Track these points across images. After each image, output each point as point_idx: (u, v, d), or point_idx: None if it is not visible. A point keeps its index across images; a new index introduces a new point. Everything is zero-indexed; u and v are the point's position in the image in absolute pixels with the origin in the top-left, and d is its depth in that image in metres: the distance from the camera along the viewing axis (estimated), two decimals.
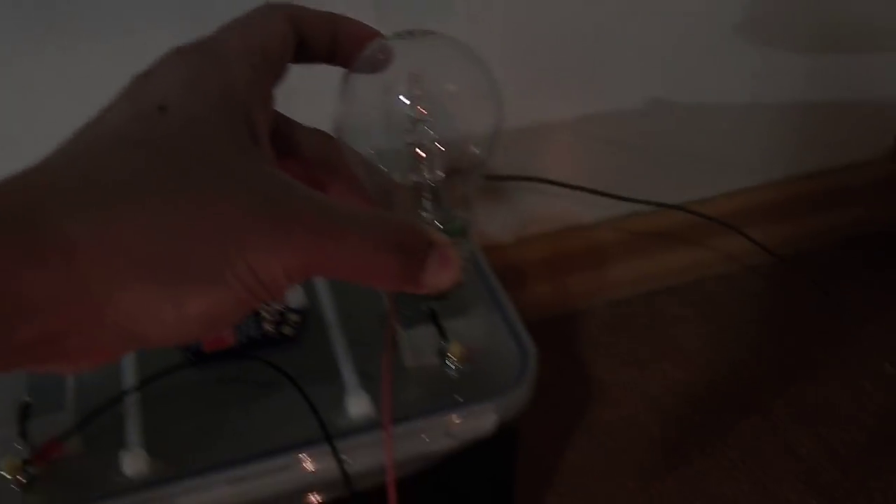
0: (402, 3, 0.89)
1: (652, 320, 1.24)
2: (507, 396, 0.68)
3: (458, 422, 0.67)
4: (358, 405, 0.66)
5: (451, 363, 0.69)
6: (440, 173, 0.46)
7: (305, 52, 0.40)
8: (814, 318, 1.25)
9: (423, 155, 0.46)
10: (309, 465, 0.64)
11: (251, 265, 0.31)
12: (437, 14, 0.92)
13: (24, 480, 0.64)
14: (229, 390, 0.70)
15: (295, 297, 0.77)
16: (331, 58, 0.42)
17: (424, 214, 0.47)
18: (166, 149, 0.32)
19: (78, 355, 0.31)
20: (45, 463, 0.65)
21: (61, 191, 0.30)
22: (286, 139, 0.42)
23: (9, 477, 0.63)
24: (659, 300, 1.27)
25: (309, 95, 0.90)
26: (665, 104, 1.12)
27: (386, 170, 0.46)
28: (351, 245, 0.33)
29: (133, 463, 0.63)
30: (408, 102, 0.45)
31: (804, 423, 1.09)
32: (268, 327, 0.74)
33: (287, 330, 0.74)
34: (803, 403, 1.11)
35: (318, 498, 0.68)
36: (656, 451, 1.05)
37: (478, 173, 0.49)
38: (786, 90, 1.19)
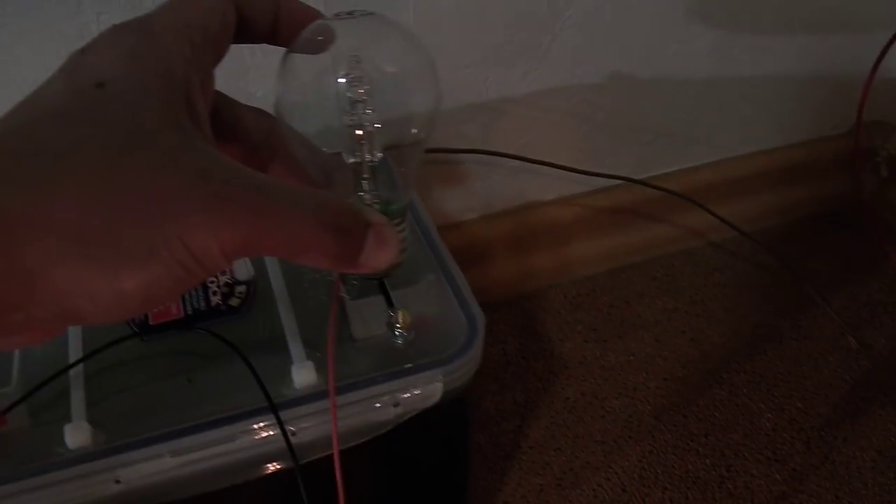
0: None
1: (615, 297, 1.24)
2: (454, 364, 0.67)
3: (404, 390, 0.66)
4: (303, 375, 0.66)
5: (398, 332, 0.69)
6: (379, 153, 0.46)
7: (247, 31, 0.40)
8: (777, 293, 1.25)
9: (362, 135, 0.46)
10: (254, 435, 0.64)
11: (186, 242, 0.31)
12: None
13: None
14: (175, 362, 0.70)
15: (242, 268, 0.76)
16: (272, 37, 0.42)
17: (363, 194, 0.48)
18: (103, 125, 0.32)
19: (12, 331, 0.31)
20: None
21: None
22: (226, 119, 0.42)
23: None
24: (622, 276, 1.27)
25: (261, 73, 0.90)
26: (624, 78, 1.11)
27: (325, 150, 0.46)
28: (288, 223, 0.34)
29: (76, 435, 0.63)
30: (346, 83, 0.45)
31: (767, 396, 1.09)
32: (214, 299, 0.73)
33: (234, 301, 0.73)
34: (766, 377, 1.12)
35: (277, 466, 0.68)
36: (619, 426, 1.05)
37: (417, 153, 0.49)
38: (748, 66, 1.19)
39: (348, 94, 0.45)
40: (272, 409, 0.63)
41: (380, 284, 0.73)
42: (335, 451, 0.60)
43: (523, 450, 1.02)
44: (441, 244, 0.79)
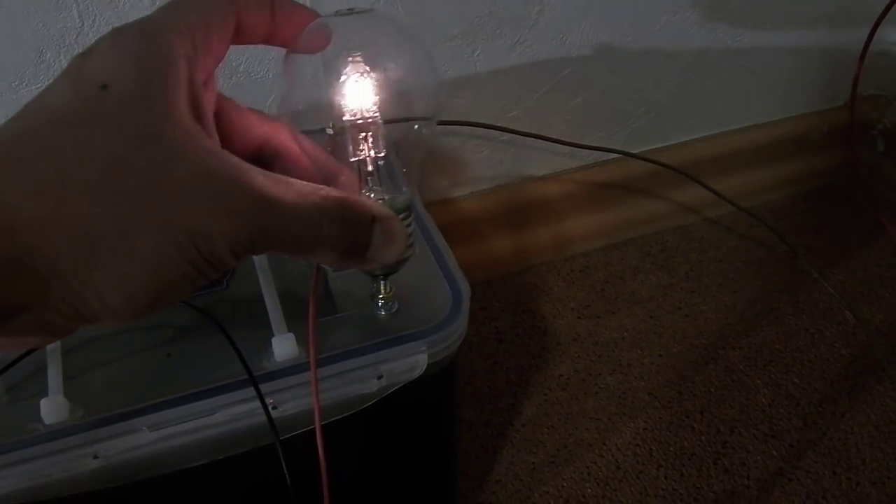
0: None
1: (609, 273, 1.23)
2: (438, 335, 0.66)
3: (387, 362, 0.65)
4: (284, 347, 0.64)
5: (382, 303, 0.68)
6: (382, 150, 0.46)
7: (244, 32, 0.41)
8: (773, 268, 1.24)
9: (365, 132, 0.46)
10: (233, 409, 0.63)
11: (195, 242, 0.32)
12: None
13: None
14: (153, 335, 0.69)
15: None
16: (270, 38, 0.43)
17: (368, 192, 0.47)
18: (108, 127, 0.32)
19: (22, 333, 0.32)
20: None
21: (4, 170, 0.30)
22: (230, 120, 0.43)
23: None
24: (616, 253, 1.26)
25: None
26: (614, 50, 1.10)
27: (329, 148, 0.46)
28: (294, 219, 0.34)
29: (53, 410, 0.61)
30: (347, 80, 0.45)
31: (764, 372, 1.08)
32: None
33: None
34: (763, 353, 1.10)
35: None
36: (613, 403, 1.04)
37: (420, 149, 0.49)
38: (741, 38, 1.17)
39: (350, 92, 0.46)
40: (252, 381, 0.62)
41: None
42: (317, 425, 0.59)
43: (516, 428, 1.00)
44: (426, 215, 0.77)
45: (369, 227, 0.38)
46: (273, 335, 0.65)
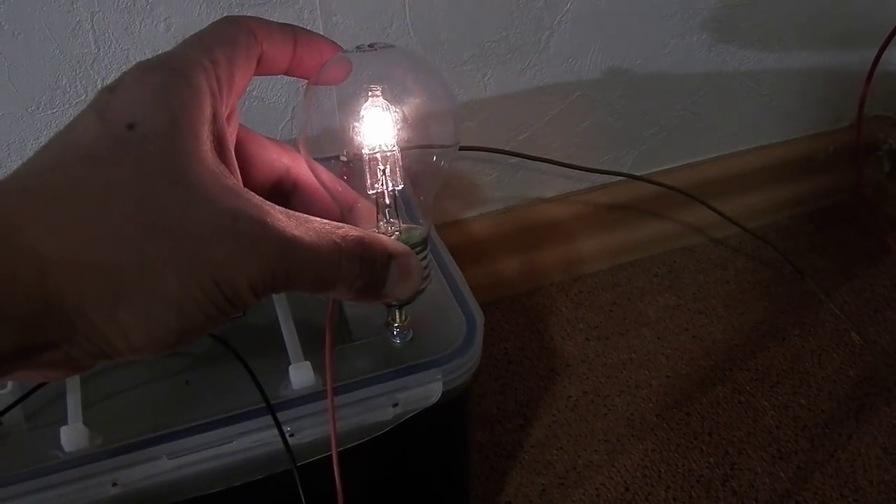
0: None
1: (617, 294, 1.23)
2: (453, 363, 0.67)
3: (403, 390, 0.66)
4: (301, 375, 0.65)
5: (397, 331, 0.68)
6: (400, 183, 0.47)
7: (266, 64, 0.41)
8: (779, 289, 1.24)
9: (384, 165, 0.46)
10: (252, 437, 0.63)
11: (219, 283, 0.32)
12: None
13: None
14: (172, 362, 0.69)
15: None
16: (291, 70, 0.44)
17: (385, 224, 0.48)
18: (135, 167, 0.32)
19: (50, 369, 0.32)
20: None
21: (33, 210, 0.31)
22: (250, 152, 0.43)
23: None
24: (624, 274, 1.27)
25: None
26: (624, 73, 1.11)
27: (344, 176, 0.46)
28: (314, 259, 0.35)
29: (72, 438, 0.62)
30: (367, 114, 0.45)
31: (771, 393, 1.08)
32: None
33: None
34: (770, 374, 1.11)
35: None
36: (621, 425, 1.04)
37: (437, 182, 0.50)
38: (749, 61, 1.18)
39: (369, 126, 0.46)
40: (270, 410, 0.63)
41: None
42: (334, 453, 0.60)
43: (525, 449, 1.01)
44: (439, 241, 0.78)
45: (386, 265, 0.39)
46: (290, 363, 0.66)
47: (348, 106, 0.47)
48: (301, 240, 0.35)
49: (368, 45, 0.48)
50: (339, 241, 0.36)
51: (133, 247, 0.31)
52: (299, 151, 0.46)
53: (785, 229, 1.35)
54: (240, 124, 0.43)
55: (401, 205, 0.50)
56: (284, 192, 0.46)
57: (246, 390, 0.65)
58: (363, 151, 0.49)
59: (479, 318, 0.71)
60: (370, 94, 0.47)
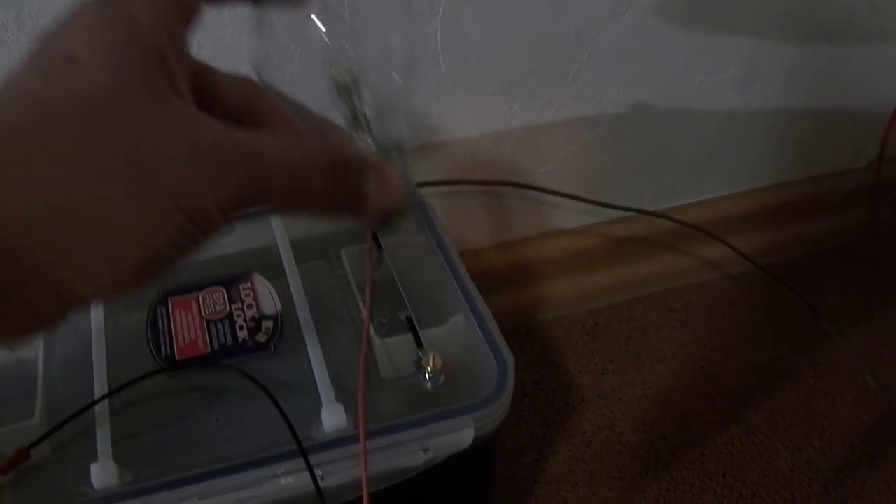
0: None
1: (632, 328, 1.23)
2: (485, 410, 0.67)
3: (434, 435, 0.65)
4: (333, 418, 0.65)
5: (428, 375, 0.68)
6: (366, 98, 0.45)
7: None
8: (794, 328, 1.24)
9: (346, 83, 0.45)
10: (283, 479, 0.63)
11: (181, 205, 0.30)
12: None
13: None
14: (202, 399, 0.69)
15: (268, 302, 0.75)
16: None
17: (359, 141, 0.46)
18: (78, 99, 0.30)
19: (12, 321, 0.30)
20: (13, 472, 0.64)
21: None
22: (208, 87, 0.40)
23: None
24: (640, 307, 1.26)
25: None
26: (649, 109, 1.11)
27: (311, 106, 0.44)
28: (282, 171, 0.33)
29: (102, 475, 0.62)
30: (324, 30, 0.44)
31: (785, 435, 1.08)
32: (241, 334, 0.72)
33: (261, 337, 0.72)
34: (784, 415, 1.11)
35: None
36: (636, 462, 1.04)
37: (403, 98, 0.48)
38: (771, 99, 1.18)
39: (327, 42, 0.44)
40: (302, 453, 0.62)
41: (408, 323, 0.72)
42: (365, 497, 0.60)
43: (541, 485, 1.01)
44: (470, 284, 0.78)
45: (362, 174, 0.37)
46: (322, 405, 0.66)
47: (302, 25, 0.45)
48: (267, 153, 0.33)
49: None
50: (307, 152, 0.35)
51: (84, 178, 0.29)
52: (260, 83, 0.44)
53: (801, 266, 1.35)
54: (198, 60, 0.41)
55: (371, 123, 0.48)
56: (252, 126, 0.44)
57: (276, 430, 0.65)
58: (325, 72, 0.47)
59: (510, 362, 0.71)
60: (324, 10, 0.45)
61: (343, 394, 0.68)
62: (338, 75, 0.45)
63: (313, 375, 0.69)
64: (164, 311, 0.75)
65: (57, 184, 0.29)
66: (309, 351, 0.70)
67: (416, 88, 0.47)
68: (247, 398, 0.68)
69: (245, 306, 0.75)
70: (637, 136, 1.14)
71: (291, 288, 0.76)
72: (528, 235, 1.18)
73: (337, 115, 0.45)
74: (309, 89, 0.44)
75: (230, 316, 0.74)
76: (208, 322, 0.73)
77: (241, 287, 0.77)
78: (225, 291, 0.76)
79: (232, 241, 0.84)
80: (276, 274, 0.79)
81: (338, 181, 0.35)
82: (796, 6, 1.08)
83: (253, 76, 0.43)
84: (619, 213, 1.19)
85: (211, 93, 0.40)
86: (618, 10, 0.99)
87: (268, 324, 0.73)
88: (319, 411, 0.66)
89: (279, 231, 0.83)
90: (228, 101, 0.41)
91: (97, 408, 0.66)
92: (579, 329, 1.23)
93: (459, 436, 0.66)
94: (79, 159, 0.29)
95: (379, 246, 0.79)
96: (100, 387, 0.68)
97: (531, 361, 1.17)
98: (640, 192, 1.20)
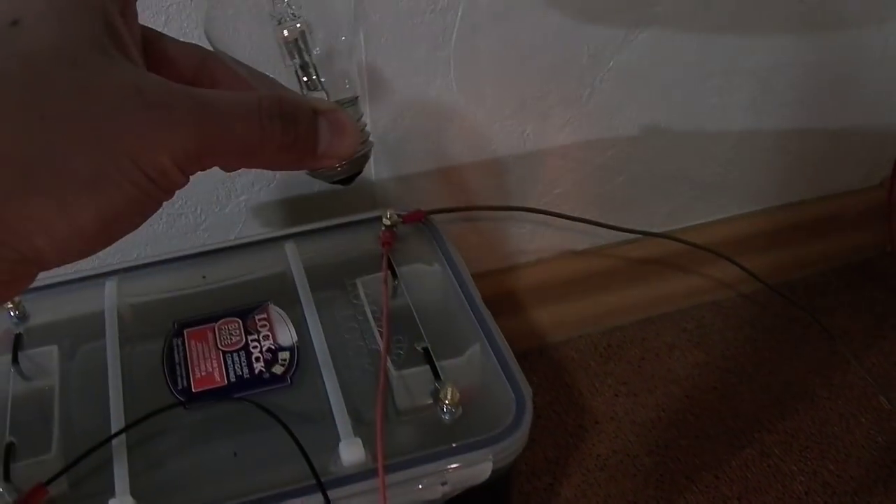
0: None
1: (645, 349, 1.23)
2: (503, 443, 0.66)
3: (453, 469, 0.65)
4: (351, 453, 0.65)
5: (446, 407, 0.68)
6: (316, 52, 0.45)
7: None
8: (807, 349, 1.24)
9: (293, 37, 0.45)
10: None
11: (136, 160, 0.30)
12: (426, 41, 0.90)
13: None
14: (219, 432, 0.69)
15: (284, 333, 0.75)
16: None
17: (311, 95, 0.46)
18: (24, 59, 0.30)
19: None
20: None
21: None
22: (159, 54, 0.40)
23: None
24: (652, 328, 1.26)
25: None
26: (662, 131, 1.11)
27: (261, 66, 0.44)
28: (233, 122, 0.33)
29: None
30: None
31: (800, 458, 1.08)
32: (258, 365, 0.72)
33: (277, 369, 0.72)
34: (798, 437, 1.10)
35: None
36: (651, 486, 1.04)
37: (351, 49, 0.48)
38: (784, 119, 1.18)
39: (274, 2, 0.44)
40: (321, 488, 0.62)
41: (425, 354, 0.72)
42: None
43: None
44: (486, 313, 0.78)
45: (312, 120, 0.36)
46: (340, 439, 0.66)
47: None
48: (217, 104, 0.33)
49: None
50: (256, 101, 0.34)
51: (34, 132, 0.29)
52: (210, 50, 0.44)
53: (813, 285, 1.35)
54: (147, 27, 0.40)
55: (321, 75, 0.48)
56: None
57: (294, 463, 0.65)
58: (272, 29, 0.47)
59: (528, 394, 0.71)
60: None
61: (360, 426, 0.67)
62: (285, 32, 0.45)
63: (330, 408, 0.68)
64: (179, 343, 0.75)
65: (8, 141, 0.29)
66: (326, 384, 0.70)
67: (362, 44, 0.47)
68: (264, 431, 0.68)
69: (261, 337, 0.75)
70: (649, 158, 1.13)
71: (307, 318, 0.76)
72: (540, 257, 1.18)
73: (289, 74, 0.45)
74: (258, 48, 0.44)
75: (246, 347, 0.74)
76: (224, 353, 0.73)
77: (256, 317, 0.77)
78: (241, 322, 0.76)
79: (246, 269, 0.84)
80: (290, 302, 0.79)
81: (287, 129, 0.35)
82: (808, 27, 1.08)
83: (204, 42, 0.43)
84: (631, 235, 1.19)
85: (162, 59, 0.40)
86: (631, 34, 0.99)
87: (284, 355, 0.73)
88: (337, 444, 0.65)
89: (293, 258, 0.83)
90: (180, 67, 0.41)
91: (114, 442, 0.66)
92: (592, 350, 1.22)
93: (477, 469, 0.66)
94: (26, 114, 0.29)
95: (395, 275, 0.79)
96: (117, 420, 0.68)
97: (544, 383, 1.17)
98: (653, 213, 1.20)
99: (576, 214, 1.11)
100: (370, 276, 0.81)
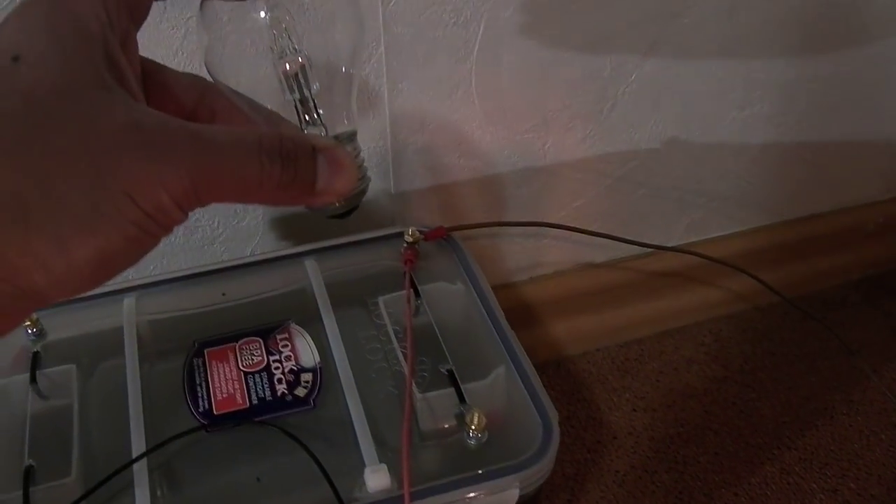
0: None
1: (663, 363, 1.22)
2: (530, 470, 0.65)
3: (479, 496, 0.64)
4: (377, 479, 0.64)
5: (472, 433, 0.67)
6: (315, 86, 0.45)
7: None
8: (827, 364, 1.23)
9: (293, 71, 0.44)
10: None
11: (133, 196, 0.30)
12: (448, 53, 0.89)
13: None
14: (242, 456, 0.68)
15: (306, 354, 0.74)
16: None
17: (310, 130, 0.46)
18: (23, 95, 0.30)
19: None
20: None
21: None
22: (158, 85, 0.40)
23: None
24: (670, 341, 1.25)
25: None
26: (682, 144, 1.10)
27: (261, 99, 0.44)
28: (232, 159, 0.33)
29: None
30: (269, 20, 0.43)
31: (820, 476, 1.07)
32: (280, 387, 0.71)
33: (300, 391, 0.71)
34: (818, 454, 1.09)
35: None
36: (669, 502, 1.03)
37: (352, 84, 0.47)
38: (805, 132, 1.17)
39: (273, 32, 0.44)
40: None
41: (450, 376, 0.71)
42: None
43: None
44: (510, 334, 0.77)
45: (311, 158, 0.36)
46: (365, 464, 0.65)
47: (246, 16, 0.45)
48: (215, 142, 0.32)
49: None
50: (255, 138, 0.34)
51: (32, 168, 0.29)
52: (210, 80, 0.44)
53: (831, 298, 1.34)
54: (147, 58, 0.40)
55: (320, 110, 0.47)
56: (203, 120, 0.44)
57: (318, 488, 0.64)
58: (272, 63, 0.46)
59: (554, 417, 0.70)
60: (270, 2, 0.44)
61: (385, 450, 0.66)
62: (286, 66, 0.44)
63: (354, 431, 0.67)
64: (200, 363, 0.74)
65: (5, 177, 0.29)
66: (350, 408, 0.69)
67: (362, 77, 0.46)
68: (288, 455, 0.67)
69: (283, 358, 0.74)
70: (670, 171, 1.12)
71: (330, 339, 0.75)
72: (558, 269, 1.17)
73: (288, 107, 0.45)
74: (258, 81, 0.44)
75: (268, 368, 0.73)
76: (246, 374, 0.72)
77: (277, 337, 0.76)
78: (262, 342, 0.75)
79: (265, 286, 0.83)
80: (311, 319, 0.78)
81: (287, 167, 0.35)
82: (830, 39, 1.07)
83: (205, 73, 0.42)
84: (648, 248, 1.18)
85: (161, 90, 0.40)
86: (654, 47, 0.98)
87: (307, 377, 0.72)
88: (362, 469, 0.65)
89: (314, 276, 0.82)
90: (180, 98, 0.41)
91: (135, 467, 0.65)
92: (609, 364, 1.21)
93: (504, 496, 0.65)
94: (26, 150, 0.29)
95: (417, 294, 0.78)
96: (137, 442, 0.67)
97: (561, 398, 1.16)
98: (672, 226, 1.19)
99: (594, 226, 1.10)
100: (392, 294, 0.80)
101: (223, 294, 0.81)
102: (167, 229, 0.32)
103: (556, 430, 0.69)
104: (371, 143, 0.93)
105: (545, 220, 1.07)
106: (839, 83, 1.14)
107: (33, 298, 0.30)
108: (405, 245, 0.83)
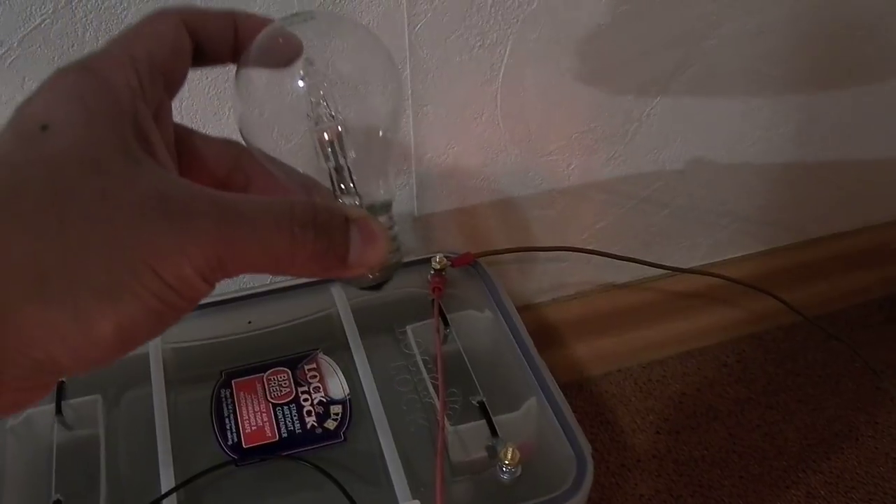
0: None
1: (686, 384, 1.21)
2: None
3: None
4: None
5: (505, 467, 0.66)
6: (351, 154, 0.44)
7: (205, 54, 0.39)
8: (851, 385, 1.22)
9: (330, 139, 0.43)
10: None
11: (156, 270, 0.29)
12: (474, 76, 0.89)
13: None
14: (272, 491, 0.67)
15: (335, 385, 0.74)
16: (235, 58, 0.40)
17: (344, 199, 0.45)
18: (49, 165, 0.30)
19: None
20: None
21: None
22: (192, 152, 0.40)
23: None
24: (693, 362, 1.24)
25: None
26: (706, 165, 1.09)
27: (295, 165, 0.43)
28: (261, 230, 0.32)
29: None
30: (304, 88, 0.42)
31: (845, 499, 1.06)
32: (310, 420, 0.71)
33: (330, 424, 0.71)
34: (844, 478, 1.08)
35: None
36: None
37: (389, 150, 0.47)
38: (829, 150, 1.16)
39: (310, 99, 0.43)
40: None
41: (481, 409, 0.70)
42: None
43: None
44: (541, 364, 0.76)
45: (344, 230, 0.35)
46: (398, 501, 0.64)
47: (282, 83, 0.44)
48: (246, 212, 0.31)
49: (292, 15, 0.45)
50: (287, 210, 0.33)
51: (52, 239, 0.28)
52: (244, 145, 0.43)
53: (854, 318, 1.32)
54: (181, 125, 0.39)
55: (356, 178, 0.46)
56: (237, 187, 0.43)
57: None
58: (308, 129, 0.45)
59: (587, 450, 0.69)
60: (303, 65, 0.43)
61: (417, 485, 0.66)
62: (321, 133, 0.43)
63: (386, 466, 0.67)
64: (227, 394, 0.73)
65: (25, 246, 0.28)
66: (382, 442, 0.68)
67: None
68: (319, 490, 0.66)
69: (311, 389, 0.73)
70: (694, 192, 1.12)
71: (359, 370, 0.74)
72: (580, 290, 1.16)
73: (322, 174, 0.44)
74: (292, 147, 0.43)
75: (297, 399, 0.72)
76: (274, 406, 0.72)
77: (306, 367, 0.75)
78: (290, 372, 0.74)
79: (292, 314, 0.82)
80: (338, 347, 0.77)
81: (320, 239, 0.34)
82: (855, 59, 1.06)
83: (239, 138, 0.41)
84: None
85: (194, 158, 0.40)
86: (679, 69, 0.97)
87: (336, 409, 0.71)
88: None
89: (341, 303, 0.81)
90: (213, 165, 0.40)
91: (165, 501, 0.64)
92: (632, 385, 1.20)
93: None
94: (45, 218, 0.28)
95: (446, 322, 0.77)
96: (166, 475, 0.66)
97: (584, 419, 1.15)
98: (695, 246, 1.19)
99: (617, 247, 1.09)
100: (420, 323, 0.79)
101: (249, 322, 0.80)
102: (191, 301, 0.31)
103: (591, 463, 0.68)
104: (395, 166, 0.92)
105: (567, 242, 1.07)
106: (861, 103, 1.13)
107: (52, 371, 0.29)
108: (432, 272, 0.83)
